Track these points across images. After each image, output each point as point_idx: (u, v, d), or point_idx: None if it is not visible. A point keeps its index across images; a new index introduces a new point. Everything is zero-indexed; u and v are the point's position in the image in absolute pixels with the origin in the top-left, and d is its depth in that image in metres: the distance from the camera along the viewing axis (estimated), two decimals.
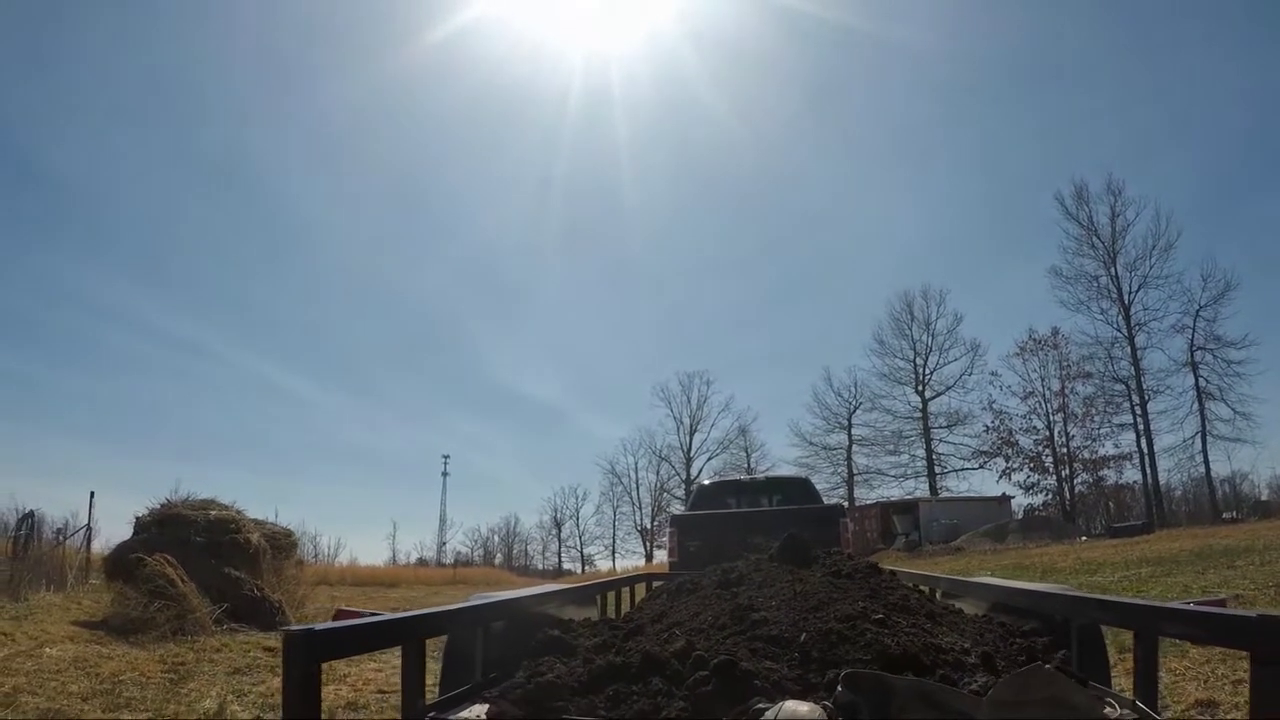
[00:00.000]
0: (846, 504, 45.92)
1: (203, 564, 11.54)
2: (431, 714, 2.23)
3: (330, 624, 2.04)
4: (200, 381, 72.12)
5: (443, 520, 65.68)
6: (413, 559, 61.53)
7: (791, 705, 1.63)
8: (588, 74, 65.60)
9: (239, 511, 13.10)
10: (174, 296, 67.77)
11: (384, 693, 6.63)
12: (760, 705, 1.68)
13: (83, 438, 62.83)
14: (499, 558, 67.09)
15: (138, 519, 13.02)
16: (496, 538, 69.93)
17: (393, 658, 8.11)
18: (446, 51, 65.80)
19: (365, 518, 76.88)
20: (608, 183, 72.16)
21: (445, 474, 67.53)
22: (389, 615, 2.49)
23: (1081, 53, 59.69)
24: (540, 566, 63.66)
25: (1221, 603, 2.07)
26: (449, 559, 61.54)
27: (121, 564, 11.85)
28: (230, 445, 71.16)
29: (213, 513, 12.52)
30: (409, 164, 73.18)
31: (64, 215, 60.37)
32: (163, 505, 12.96)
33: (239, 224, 71.15)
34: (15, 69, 52.63)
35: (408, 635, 2.26)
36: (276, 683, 7.18)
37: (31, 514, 15.22)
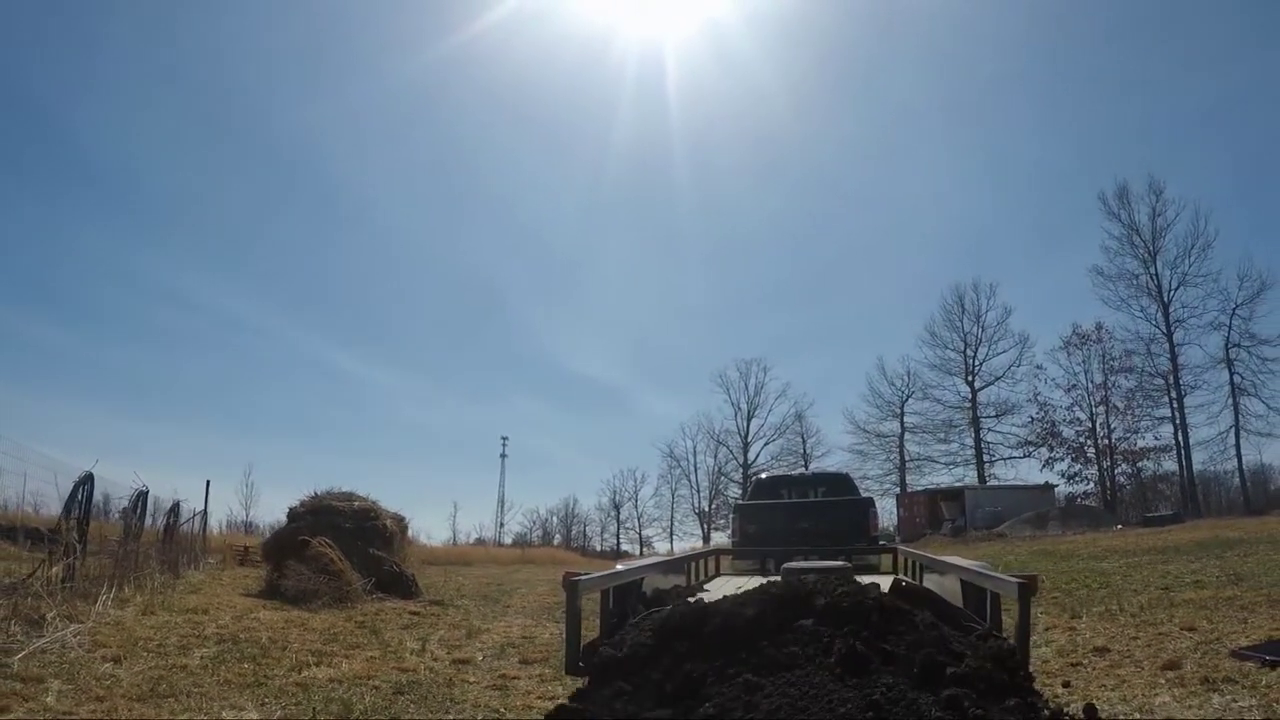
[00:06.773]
0: (899, 490, 49.33)
1: (351, 546, 14.08)
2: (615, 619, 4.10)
3: (580, 576, 3.73)
4: (258, 361, 74.25)
5: (501, 501, 66.58)
6: (471, 539, 62.06)
7: None
8: (643, 47, 67.45)
9: (375, 501, 15.88)
10: (233, 277, 70.13)
11: (526, 638, 9.21)
12: None
13: (138, 416, 65.19)
14: (557, 538, 68.00)
15: (291, 509, 15.87)
16: (555, 519, 70.94)
17: (513, 622, 10.72)
18: (503, 29, 66.35)
19: (423, 498, 77.56)
20: (661, 159, 72.81)
21: (504, 455, 67.82)
22: (595, 574, 4.09)
23: (1120, 44, 59.68)
24: (598, 548, 64.45)
25: (1033, 578, 3.58)
26: (508, 539, 63.07)
27: (283, 546, 14.53)
28: (289, 424, 73.56)
29: (356, 503, 15.34)
30: (465, 142, 73.75)
31: (126, 201, 64.27)
32: (312, 497, 15.82)
33: (295, 204, 73.11)
34: (76, 55, 55.78)
35: (605, 585, 4.13)
36: (444, 633, 9.77)
37: (177, 504, 17.72)
